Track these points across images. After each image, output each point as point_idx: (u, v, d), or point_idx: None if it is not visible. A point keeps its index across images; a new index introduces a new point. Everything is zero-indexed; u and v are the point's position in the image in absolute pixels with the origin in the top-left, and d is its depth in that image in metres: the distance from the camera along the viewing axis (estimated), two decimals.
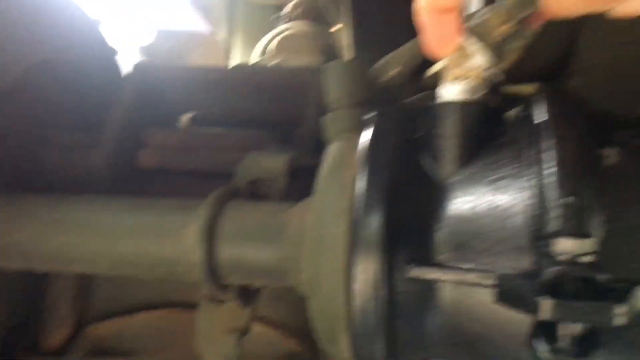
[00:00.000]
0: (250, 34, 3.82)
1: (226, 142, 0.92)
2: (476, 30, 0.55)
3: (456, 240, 0.52)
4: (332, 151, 0.61)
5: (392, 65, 0.68)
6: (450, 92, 0.56)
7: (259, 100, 1.00)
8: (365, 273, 0.51)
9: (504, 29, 0.55)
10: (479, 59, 0.56)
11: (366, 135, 0.57)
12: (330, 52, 2.19)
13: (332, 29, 2.36)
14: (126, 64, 2.66)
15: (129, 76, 0.95)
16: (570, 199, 0.43)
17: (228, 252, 0.63)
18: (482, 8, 0.57)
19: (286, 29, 2.25)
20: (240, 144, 0.91)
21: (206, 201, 0.65)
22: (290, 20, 2.39)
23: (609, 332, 0.46)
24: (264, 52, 2.29)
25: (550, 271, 0.42)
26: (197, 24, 3.61)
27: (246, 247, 0.63)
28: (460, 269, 0.51)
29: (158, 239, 0.65)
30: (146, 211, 0.67)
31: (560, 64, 0.99)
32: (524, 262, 0.49)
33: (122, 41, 2.91)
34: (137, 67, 0.96)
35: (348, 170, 0.56)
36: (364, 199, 0.52)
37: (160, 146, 0.92)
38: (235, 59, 4.35)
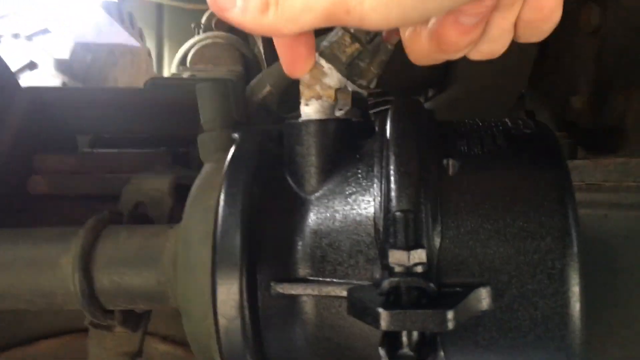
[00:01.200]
0: (179, 42, 3.77)
1: (118, 163, 0.91)
2: (326, 52, 0.57)
3: (317, 254, 0.54)
4: (201, 173, 0.62)
5: (263, 85, 0.70)
6: (307, 111, 0.58)
7: (155, 119, 1.00)
8: (228, 293, 0.52)
9: (355, 48, 0.57)
10: (331, 79, 0.58)
11: (229, 157, 0.58)
12: (247, 62, 2.20)
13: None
14: (42, 81, 2.57)
15: (17, 100, 0.93)
16: (400, 213, 0.46)
17: (106, 279, 0.63)
18: (333, 30, 0.59)
19: (203, 39, 2.25)
20: (132, 165, 0.91)
21: (82, 228, 0.64)
22: (207, 29, 2.38)
23: (453, 334, 0.49)
24: (182, 62, 2.28)
25: (386, 282, 0.45)
26: (120, 35, 3.54)
27: (123, 273, 0.63)
28: (320, 282, 0.53)
29: (35, 270, 0.64)
30: (22, 242, 0.66)
31: (440, 72, 1.04)
32: (376, 274, 0.51)
33: (38, 55, 2.83)
34: (26, 91, 0.94)
35: (213, 192, 0.57)
36: (223, 221, 0.53)
37: (51, 172, 0.91)
38: (164, 69, 4.28)
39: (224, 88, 0.67)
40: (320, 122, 0.57)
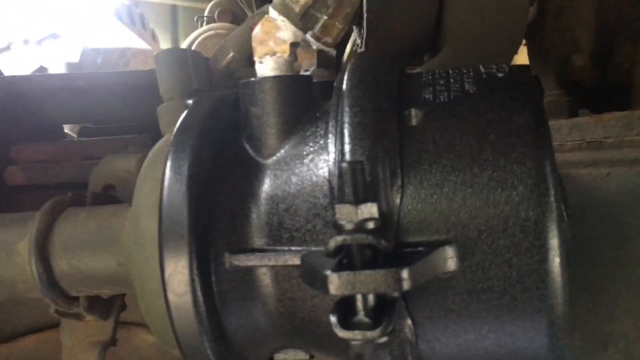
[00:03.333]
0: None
1: (98, 151, 0.88)
2: (278, 3, 0.53)
3: (273, 221, 0.49)
4: (155, 146, 0.58)
5: (227, 51, 0.66)
6: (262, 69, 0.54)
7: (136, 104, 0.96)
8: (176, 267, 0.48)
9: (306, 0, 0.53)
10: (285, 33, 0.53)
11: (177, 123, 0.54)
12: (250, 52, 2.16)
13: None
14: None
15: None
16: (346, 164, 0.41)
17: (64, 263, 0.59)
18: None
19: (206, 30, 2.22)
20: (109, 152, 0.87)
21: (39, 212, 0.61)
22: (209, 22, 2.36)
23: (420, 299, 0.44)
24: None
25: (332, 241, 0.40)
26: (130, 40, 3.54)
27: (82, 256, 0.59)
28: (278, 251, 0.49)
29: None
30: None
31: (431, 36, 0.98)
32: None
33: (48, 60, 2.84)
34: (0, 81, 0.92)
35: (162, 163, 0.53)
36: (168, 190, 0.49)
37: (28, 161, 0.88)
38: None
39: (181, 55, 0.63)
40: (275, 79, 0.53)
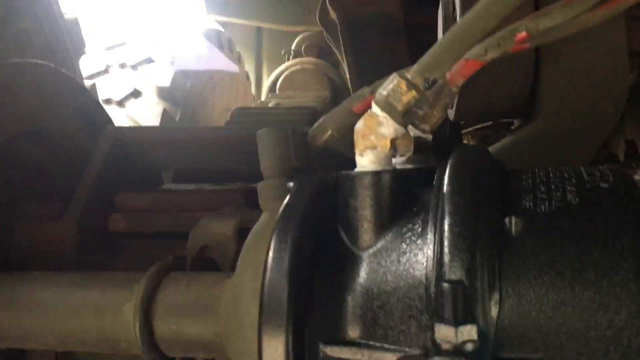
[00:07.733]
0: (277, 64, 3.84)
1: (193, 202, 0.93)
2: (381, 100, 0.55)
3: (367, 317, 0.51)
4: (256, 224, 0.61)
5: (325, 129, 0.68)
6: (362, 162, 0.56)
7: (230, 156, 1.01)
8: (275, 356, 0.50)
9: (411, 96, 0.54)
10: (387, 129, 0.55)
11: (280, 211, 0.56)
12: (335, 86, 2.20)
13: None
14: (145, 108, 2.71)
15: (100, 141, 0.97)
16: (447, 285, 0.42)
17: (165, 327, 0.63)
18: (390, 77, 0.56)
19: (292, 65, 2.28)
20: (206, 203, 0.92)
21: (144, 276, 0.65)
22: (296, 55, 2.42)
23: None
24: (272, 88, 2.32)
25: None
26: (219, 61, 3.67)
27: (181, 322, 0.63)
28: (371, 346, 0.50)
29: (99, 316, 0.66)
30: (90, 287, 0.68)
31: (524, 102, 0.97)
32: (428, 343, 0.47)
33: (142, 84, 2.99)
34: (106, 132, 0.98)
35: (264, 246, 0.56)
36: (270, 280, 0.51)
37: (129, 209, 0.93)
38: (263, 89, 4.38)
39: (283, 135, 0.66)
40: (374, 174, 0.54)
